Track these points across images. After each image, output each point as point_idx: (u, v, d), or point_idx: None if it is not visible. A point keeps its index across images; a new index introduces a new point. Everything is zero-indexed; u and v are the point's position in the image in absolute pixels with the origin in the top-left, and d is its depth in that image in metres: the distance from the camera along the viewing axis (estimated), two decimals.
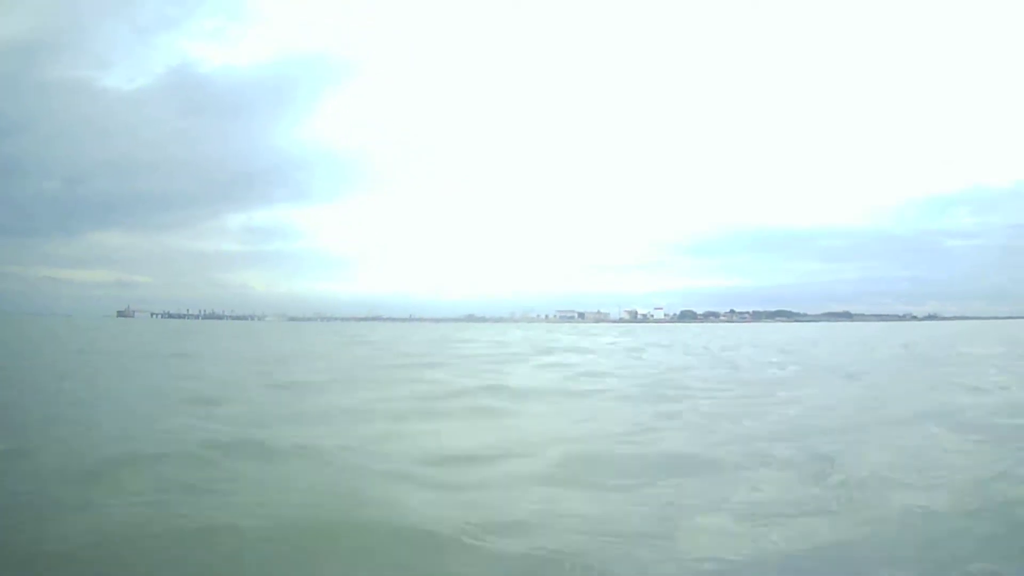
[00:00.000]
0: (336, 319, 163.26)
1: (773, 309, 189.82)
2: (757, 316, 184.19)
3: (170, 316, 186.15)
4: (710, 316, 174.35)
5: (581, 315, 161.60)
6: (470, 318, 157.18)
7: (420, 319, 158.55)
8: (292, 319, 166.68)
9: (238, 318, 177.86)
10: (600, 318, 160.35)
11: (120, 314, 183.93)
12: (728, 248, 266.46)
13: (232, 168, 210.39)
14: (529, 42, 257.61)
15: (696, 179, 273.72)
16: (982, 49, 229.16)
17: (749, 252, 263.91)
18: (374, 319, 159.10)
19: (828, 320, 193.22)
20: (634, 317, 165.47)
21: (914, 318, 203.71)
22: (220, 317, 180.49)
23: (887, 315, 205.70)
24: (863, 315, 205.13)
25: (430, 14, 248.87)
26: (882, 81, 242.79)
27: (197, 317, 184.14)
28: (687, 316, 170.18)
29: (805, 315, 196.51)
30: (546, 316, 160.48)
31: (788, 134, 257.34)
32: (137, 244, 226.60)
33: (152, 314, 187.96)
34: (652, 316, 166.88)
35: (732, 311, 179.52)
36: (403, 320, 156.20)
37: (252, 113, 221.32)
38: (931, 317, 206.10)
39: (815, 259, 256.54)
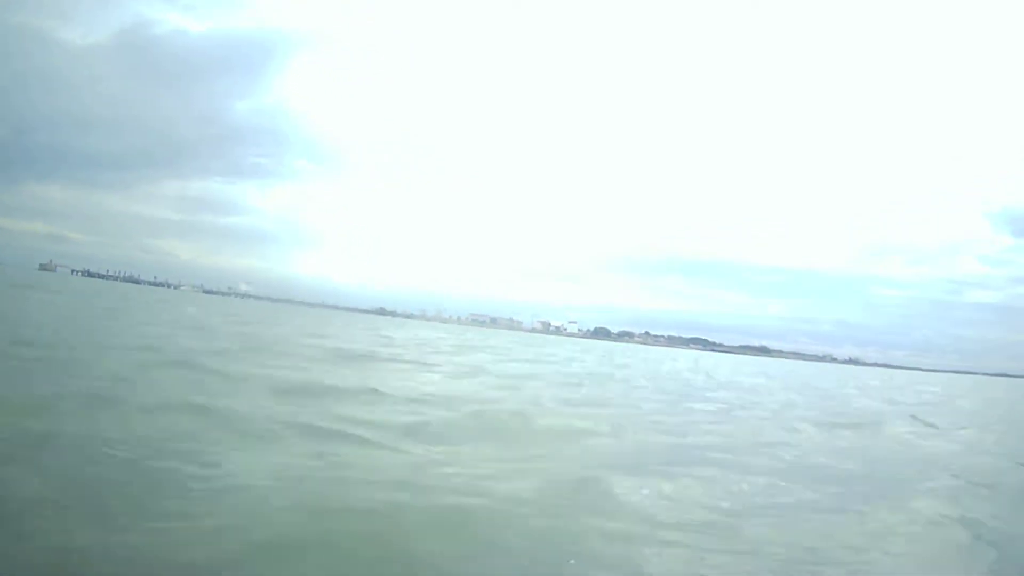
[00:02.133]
0: (250, 296, 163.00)
1: (689, 336, 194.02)
2: (672, 341, 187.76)
3: (90, 275, 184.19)
4: (624, 335, 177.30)
5: (493, 320, 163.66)
6: (380, 311, 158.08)
7: (334, 307, 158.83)
8: (207, 291, 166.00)
9: (156, 284, 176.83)
10: (513, 326, 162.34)
11: (42, 267, 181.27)
12: (652, 270, 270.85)
13: (174, 135, 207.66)
14: (472, 37, 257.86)
15: (629, 199, 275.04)
16: (928, 106, 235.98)
17: (673, 276, 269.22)
18: (287, 301, 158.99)
19: (744, 353, 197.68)
20: (547, 328, 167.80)
21: (833, 360, 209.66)
22: (138, 282, 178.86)
23: (805, 354, 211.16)
24: (781, 352, 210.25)
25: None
26: (828, 124, 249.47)
27: (116, 279, 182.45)
28: (601, 333, 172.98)
29: (722, 345, 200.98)
30: (458, 318, 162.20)
31: (727, 167, 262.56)
32: (75, 200, 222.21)
33: (73, 271, 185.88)
34: (565, 329, 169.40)
35: (647, 333, 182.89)
36: (314, 306, 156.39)
37: (200, 81, 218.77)
38: (851, 361, 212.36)
39: (740, 291, 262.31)
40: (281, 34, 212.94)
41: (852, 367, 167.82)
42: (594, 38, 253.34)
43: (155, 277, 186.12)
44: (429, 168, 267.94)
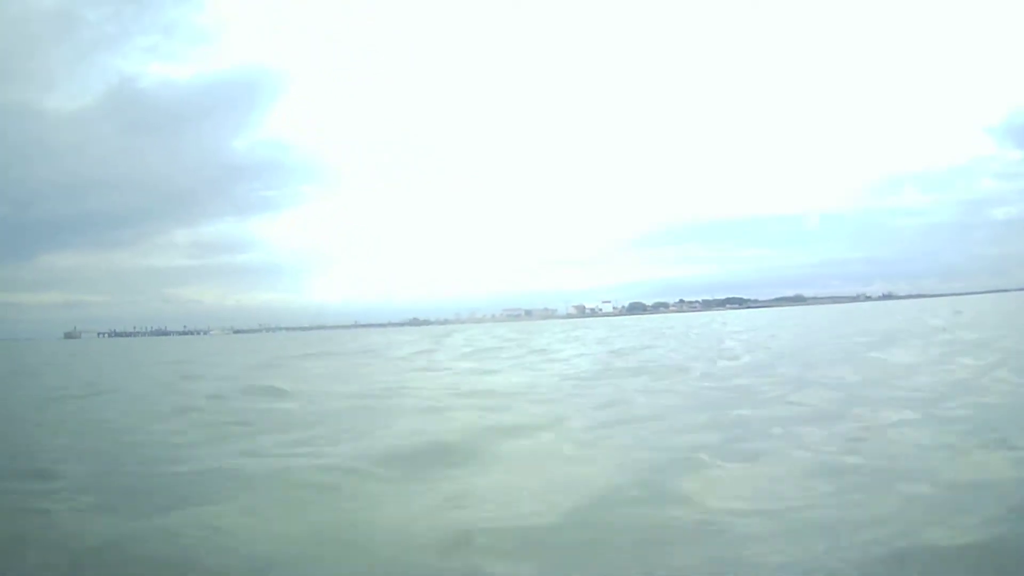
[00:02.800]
0: (280, 329, 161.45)
1: (723, 297, 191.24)
2: (707, 304, 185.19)
3: (117, 335, 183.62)
4: (660, 307, 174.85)
5: (528, 313, 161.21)
6: (414, 321, 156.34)
7: (366, 325, 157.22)
8: (237, 331, 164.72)
9: (185, 333, 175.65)
10: (547, 315, 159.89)
11: (67, 335, 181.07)
12: (675, 239, 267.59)
13: (177, 183, 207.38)
14: (474, 39, 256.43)
15: (640, 173, 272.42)
16: (927, 31, 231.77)
17: (697, 242, 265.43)
18: (319, 327, 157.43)
19: (780, 305, 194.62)
20: (582, 312, 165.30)
21: (868, 298, 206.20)
22: (167, 333, 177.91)
23: (840, 296, 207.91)
24: (816, 298, 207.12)
25: (367, 18, 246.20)
26: (825, 64, 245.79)
27: (145, 334, 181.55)
28: (636, 308, 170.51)
29: (756, 301, 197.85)
30: (492, 316, 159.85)
31: (729, 123, 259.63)
32: (88, 264, 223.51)
33: (99, 333, 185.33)
34: (600, 311, 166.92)
35: (682, 301, 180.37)
36: (347, 327, 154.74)
37: (192, 127, 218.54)
38: (887, 296, 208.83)
39: (765, 245, 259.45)
40: (266, 68, 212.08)
41: (886, 303, 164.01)
42: (596, 11, 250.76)
43: (184, 326, 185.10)
44: (438, 170, 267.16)
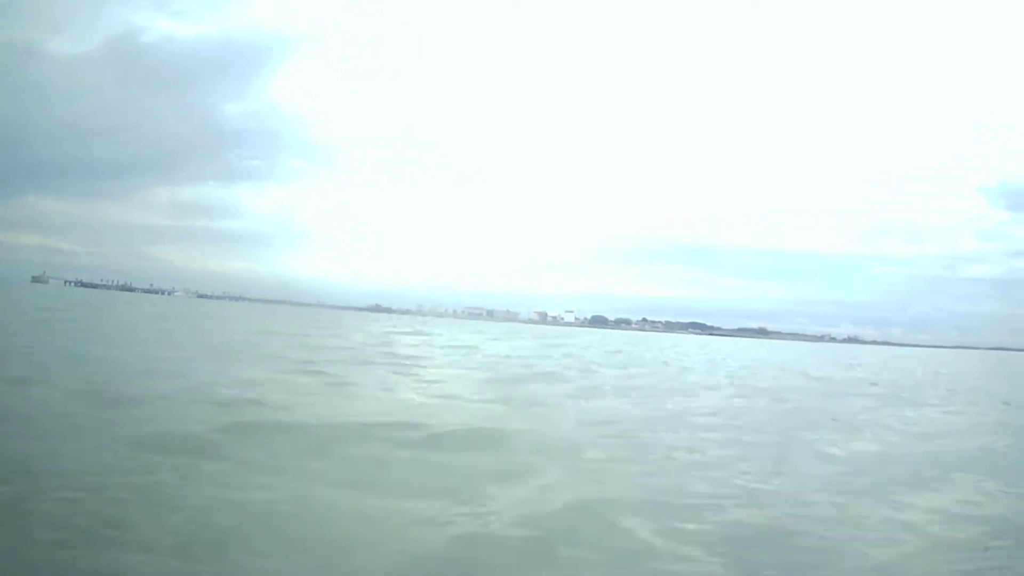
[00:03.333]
0: (244, 299, 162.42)
1: (687, 321, 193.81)
2: (670, 326, 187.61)
3: (83, 284, 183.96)
4: (622, 323, 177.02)
5: (490, 313, 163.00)
6: (376, 308, 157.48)
7: (329, 306, 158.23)
8: (201, 296, 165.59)
9: (150, 291, 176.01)
10: (509, 317, 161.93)
11: (35, 279, 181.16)
12: (648, 257, 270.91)
13: (166, 141, 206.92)
14: (471, 38, 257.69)
15: (622, 188, 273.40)
16: (921, 85, 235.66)
17: (669, 263, 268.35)
18: (282, 301, 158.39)
19: (743, 335, 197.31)
20: (544, 319, 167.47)
21: (832, 339, 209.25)
22: (133, 289, 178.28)
23: (805, 335, 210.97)
24: (779, 333, 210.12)
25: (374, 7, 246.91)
26: (822, 106, 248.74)
27: (111, 287, 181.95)
28: (598, 321, 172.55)
29: (720, 329, 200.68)
30: (455, 311, 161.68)
31: (720, 151, 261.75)
32: (67, 210, 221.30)
33: (66, 281, 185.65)
34: (562, 319, 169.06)
35: (644, 320, 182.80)
36: (310, 305, 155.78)
37: (191, 86, 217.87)
38: (851, 340, 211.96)
39: (737, 276, 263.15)
40: (271, 36, 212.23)
41: (850, 346, 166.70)
42: (586, 29, 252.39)
43: (151, 284, 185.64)
44: (421, 162, 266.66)
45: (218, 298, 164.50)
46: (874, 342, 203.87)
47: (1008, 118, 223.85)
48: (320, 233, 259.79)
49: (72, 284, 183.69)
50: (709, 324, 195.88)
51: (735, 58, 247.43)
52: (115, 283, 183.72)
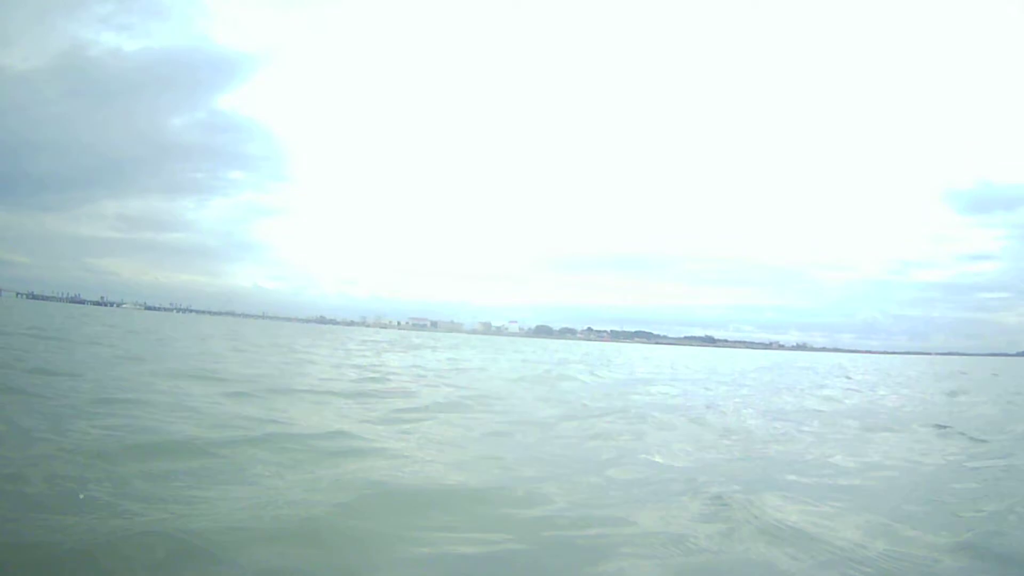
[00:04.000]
0: (191, 311, 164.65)
1: (632, 329, 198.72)
2: (616, 335, 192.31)
3: (34, 297, 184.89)
4: (566, 332, 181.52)
5: (434, 324, 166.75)
6: (320, 320, 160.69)
7: (272, 317, 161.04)
8: (149, 308, 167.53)
9: (99, 303, 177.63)
10: (453, 328, 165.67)
11: None
12: (590, 267, 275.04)
13: (112, 153, 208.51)
14: (416, 48, 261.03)
15: (564, 198, 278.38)
16: (875, 91, 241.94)
17: (611, 272, 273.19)
18: (227, 313, 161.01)
19: (689, 344, 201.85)
20: (488, 329, 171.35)
21: (781, 347, 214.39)
22: (82, 302, 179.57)
23: (752, 342, 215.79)
24: (727, 341, 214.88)
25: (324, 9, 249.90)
26: (766, 112, 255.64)
27: (61, 300, 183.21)
28: (542, 331, 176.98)
29: (666, 337, 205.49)
30: (399, 323, 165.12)
31: (660, 160, 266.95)
32: (15, 223, 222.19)
33: (17, 294, 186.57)
34: (506, 329, 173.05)
35: (589, 329, 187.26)
36: (255, 317, 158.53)
37: (135, 100, 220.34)
38: (800, 347, 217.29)
39: (679, 282, 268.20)
40: (216, 49, 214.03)
41: (800, 353, 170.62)
42: (524, 43, 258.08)
43: (102, 297, 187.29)
44: (364, 175, 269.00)
45: (166, 310, 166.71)
46: (823, 348, 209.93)
47: (958, 122, 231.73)
48: (265, 245, 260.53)
49: (23, 296, 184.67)
50: (655, 332, 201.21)
51: (674, 66, 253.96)
52: (65, 296, 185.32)
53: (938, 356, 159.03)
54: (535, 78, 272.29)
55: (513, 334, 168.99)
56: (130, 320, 54.95)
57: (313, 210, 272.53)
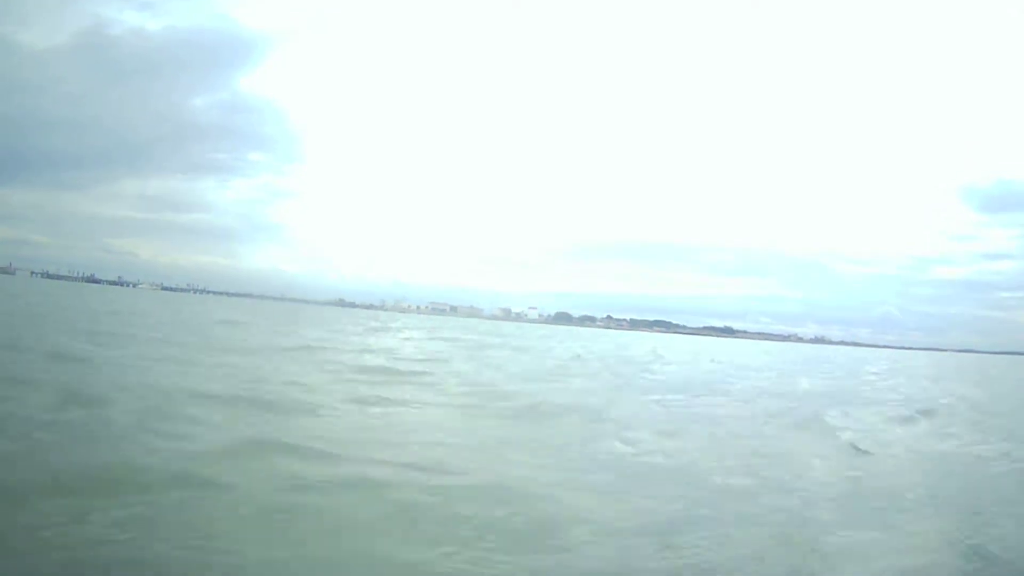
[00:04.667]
0: (209, 292, 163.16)
1: (652, 319, 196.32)
2: (635, 324, 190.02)
3: (50, 276, 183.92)
4: (586, 320, 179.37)
5: (453, 309, 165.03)
6: (340, 303, 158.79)
7: (292, 299, 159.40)
8: (165, 288, 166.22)
9: (115, 283, 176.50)
10: (473, 313, 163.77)
11: (1, 271, 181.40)
12: (608, 254, 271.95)
13: (133, 133, 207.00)
14: (437, 34, 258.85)
15: (586, 185, 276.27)
16: (902, 87, 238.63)
17: (632, 260, 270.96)
18: (245, 295, 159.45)
19: (708, 334, 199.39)
20: (507, 315, 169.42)
21: (799, 339, 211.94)
22: (98, 281, 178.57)
23: (771, 334, 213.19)
24: (746, 332, 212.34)
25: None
26: (789, 99, 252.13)
27: (77, 279, 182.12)
28: (562, 318, 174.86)
29: (685, 327, 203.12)
30: (418, 307, 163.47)
31: (683, 149, 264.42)
32: (37, 202, 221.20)
33: (32, 273, 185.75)
34: (526, 315, 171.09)
35: (609, 317, 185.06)
36: (273, 299, 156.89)
37: (156, 79, 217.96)
38: (818, 340, 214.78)
39: (701, 272, 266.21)
40: (239, 30, 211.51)
41: (819, 346, 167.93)
42: (540, 31, 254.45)
43: (119, 277, 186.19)
44: (386, 159, 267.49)
45: (183, 291, 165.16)
46: (841, 343, 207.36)
47: (977, 120, 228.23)
48: (284, 227, 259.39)
49: (39, 276, 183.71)
50: (674, 322, 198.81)
51: (697, 55, 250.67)
52: (80, 275, 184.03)
53: (953, 353, 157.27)
54: (558, 64, 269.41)
55: (533, 321, 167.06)
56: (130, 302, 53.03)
57: (332, 193, 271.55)
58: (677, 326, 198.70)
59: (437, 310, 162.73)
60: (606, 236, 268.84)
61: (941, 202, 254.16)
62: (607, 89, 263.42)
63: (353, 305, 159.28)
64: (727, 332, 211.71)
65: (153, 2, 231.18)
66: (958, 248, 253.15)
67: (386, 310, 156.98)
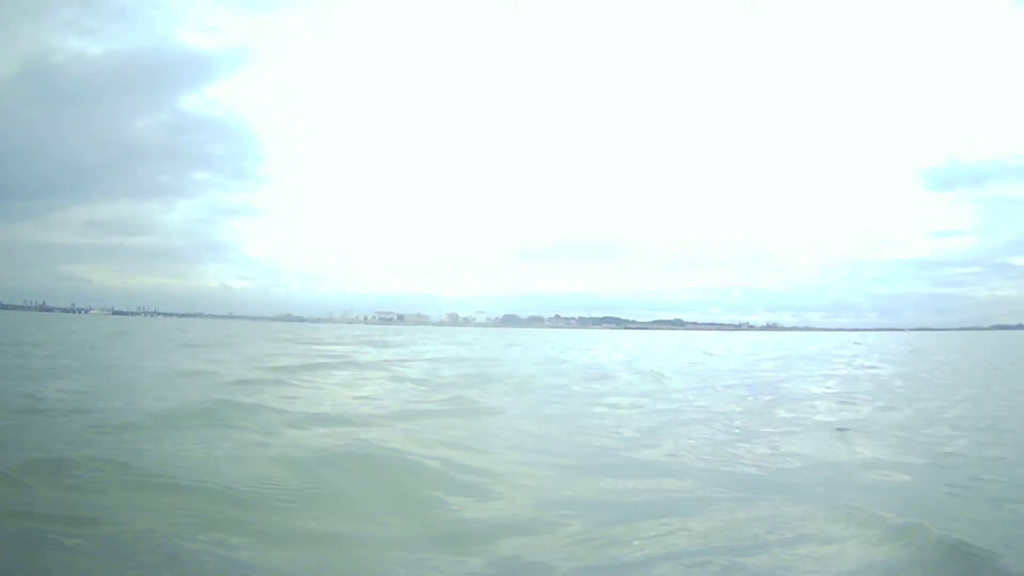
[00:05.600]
0: (159, 314, 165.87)
1: (600, 316, 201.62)
2: (583, 322, 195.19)
3: (2, 307, 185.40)
4: (534, 321, 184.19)
5: (400, 317, 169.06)
6: (287, 317, 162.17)
7: (240, 316, 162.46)
8: (116, 312, 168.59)
9: (66, 311, 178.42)
10: (420, 320, 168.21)
11: None
12: (556, 254, 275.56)
13: (79, 159, 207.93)
14: (384, 40, 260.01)
15: (529, 187, 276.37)
16: (844, 66, 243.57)
17: (578, 259, 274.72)
18: (195, 315, 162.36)
19: (658, 328, 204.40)
20: (455, 320, 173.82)
21: (751, 327, 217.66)
22: (50, 309, 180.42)
23: (721, 324, 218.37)
24: (696, 324, 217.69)
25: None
26: (730, 89, 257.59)
27: (29, 308, 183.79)
28: (510, 320, 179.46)
29: (634, 322, 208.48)
30: (365, 317, 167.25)
31: (622, 145, 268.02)
32: None
33: None
34: (474, 320, 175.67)
35: (557, 316, 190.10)
36: (222, 317, 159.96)
37: (99, 104, 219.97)
38: (771, 327, 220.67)
39: (647, 267, 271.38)
40: (179, 50, 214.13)
41: (770, 333, 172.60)
42: (493, 34, 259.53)
43: (72, 304, 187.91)
44: (330, 170, 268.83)
45: (134, 314, 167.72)
46: (794, 328, 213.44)
47: (927, 100, 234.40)
48: (231, 245, 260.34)
49: None
50: (624, 318, 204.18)
51: (633, 48, 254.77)
52: (33, 304, 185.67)
53: (910, 332, 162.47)
54: (495, 64, 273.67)
55: (480, 324, 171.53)
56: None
57: (279, 208, 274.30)
58: (627, 321, 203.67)
59: (384, 319, 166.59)
60: (550, 236, 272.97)
61: (891, 182, 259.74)
62: (544, 88, 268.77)
63: (300, 319, 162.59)
64: (678, 324, 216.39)
65: (94, 27, 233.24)
66: (909, 227, 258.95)
67: (334, 322, 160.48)
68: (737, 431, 9.88)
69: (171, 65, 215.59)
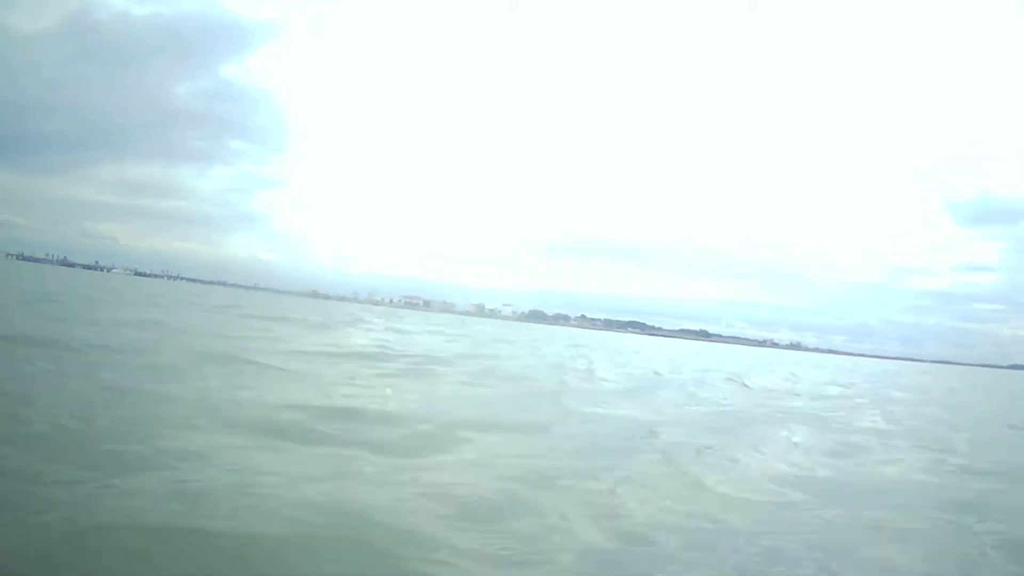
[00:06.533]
0: (182, 279, 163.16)
1: (626, 319, 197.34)
2: (609, 324, 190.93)
3: (25, 259, 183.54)
4: (560, 319, 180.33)
5: (426, 303, 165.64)
6: (313, 294, 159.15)
7: (265, 289, 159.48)
8: (139, 274, 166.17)
9: (89, 267, 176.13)
10: (446, 308, 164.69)
11: None
12: (587, 253, 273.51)
13: (115, 118, 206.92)
14: (421, 30, 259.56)
15: (562, 183, 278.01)
16: (888, 96, 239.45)
17: (603, 259, 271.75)
18: (219, 283, 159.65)
19: (684, 337, 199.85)
20: (480, 311, 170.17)
21: (775, 345, 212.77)
22: (72, 265, 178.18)
23: (746, 339, 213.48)
24: (721, 336, 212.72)
25: None
26: (773, 107, 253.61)
27: (51, 262, 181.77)
28: (536, 316, 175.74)
29: (660, 329, 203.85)
30: (391, 300, 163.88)
31: (659, 149, 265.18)
32: (17, 185, 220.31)
33: (8, 255, 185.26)
34: (499, 312, 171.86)
35: (583, 316, 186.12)
36: (246, 288, 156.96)
37: (139, 65, 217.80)
38: (794, 346, 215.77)
39: (676, 274, 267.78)
40: (223, 17, 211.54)
41: (797, 353, 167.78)
42: (517, 30, 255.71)
43: (96, 261, 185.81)
44: (365, 151, 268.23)
45: (156, 276, 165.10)
46: (816, 349, 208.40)
47: (961, 133, 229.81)
48: (263, 216, 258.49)
49: (14, 257, 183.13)
50: (649, 324, 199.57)
51: (687, 56, 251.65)
52: (54, 258, 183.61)
53: (930, 364, 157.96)
54: (536, 63, 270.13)
55: (506, 317, 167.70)
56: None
57: (312, 184, 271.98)
58: (653, 328, 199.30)
59: (410, 304, 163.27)
60: (582, 235, 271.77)
61: (921, 213, 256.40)
62: (588, 87, 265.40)
63: (326, 296, 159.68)
64: (703, 335, 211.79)
65: None
66: (937, 259, 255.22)
67: (359, 302, 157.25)
68: None
69: (214, 31, 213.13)
